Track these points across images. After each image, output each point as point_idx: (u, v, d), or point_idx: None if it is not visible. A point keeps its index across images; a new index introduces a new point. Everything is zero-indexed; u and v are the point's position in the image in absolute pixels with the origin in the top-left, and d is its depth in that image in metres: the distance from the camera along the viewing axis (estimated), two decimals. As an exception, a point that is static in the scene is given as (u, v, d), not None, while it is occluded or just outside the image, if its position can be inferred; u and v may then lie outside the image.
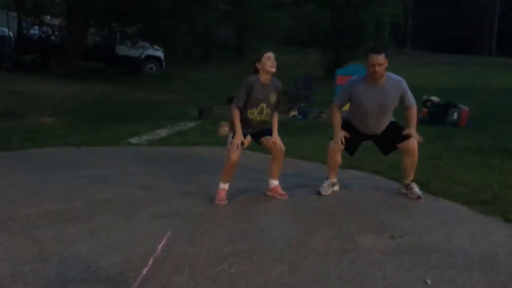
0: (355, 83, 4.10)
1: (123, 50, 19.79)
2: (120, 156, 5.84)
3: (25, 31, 19.74)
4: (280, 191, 4.11)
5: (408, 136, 4.06)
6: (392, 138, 4.13)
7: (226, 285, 2.49)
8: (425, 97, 11.73)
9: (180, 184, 4.50)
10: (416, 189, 4.16)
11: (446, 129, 9.40)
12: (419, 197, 4.10)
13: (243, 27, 27.89)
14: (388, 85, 3.97)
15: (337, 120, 4.13)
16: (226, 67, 23.98)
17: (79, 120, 9.54)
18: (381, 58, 3.81)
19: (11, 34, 19.83)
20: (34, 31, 19.95)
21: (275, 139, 3.98)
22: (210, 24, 26.92)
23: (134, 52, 19.88)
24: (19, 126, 8.65)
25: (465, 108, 10.31)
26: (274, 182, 4.13)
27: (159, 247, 2.91)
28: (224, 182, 3.97)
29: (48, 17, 20.83)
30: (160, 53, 20.67)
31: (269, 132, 4.05)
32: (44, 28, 20.05)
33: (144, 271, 2.58)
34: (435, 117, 10.30)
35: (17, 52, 18.76)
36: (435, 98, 11.86)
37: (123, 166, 5.21)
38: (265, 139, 4.06)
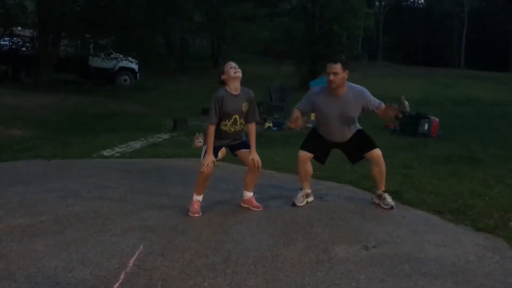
0: (317, 93, 4.17)
1: (97, 61, 19.58)
2: (91, 168, 5.73)
3: (-6, 42, 19.32)
4: (255, 203, 4.08)
5: (372, 146, 4.11)
6: (358, 147, 4.17)
7: (199, 299, 2.45)
8: (403, 97, 12.01)
9: (153, 196, 4.43)
10: (389, 199, 4.20)
11: (418, 139, 9.59)
12: (391, 208, 4.15)
13: (218, 38, 27.95)
14: (349, 95, 4.01)
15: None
16: (201, 78, 23.95)
17: (50, 132, 9.36)
18: (336, 67, 3.89)
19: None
20: (5, 42, 19.52)
21: (254, 155, 3.93)
22: (185, 35, 26.90)
23: (107, 64, 19.69)
24: (-13, 139, 8.42)
25: (435, 119, 10.55)
26: (249, 194, 4.10)
27: (131, 261, 2.85)
28: (198, 194, 3.94)
29: (19, 28, 20.43)
30: (134, 65, 20.52)
31: (245, 145, 4.02)
32: (15, 39, 19.64)
33: (115, 287, 2.52)
34: (406, 128, 10.50)
35: (-14, 63, 18.35)
36: (406, 103, 12.13)
37: (94, 179, 5.11)
38: (241, 153, 4.03)
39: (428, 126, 10.28)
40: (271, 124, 10.91)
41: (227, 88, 3.85)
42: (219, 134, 3.89)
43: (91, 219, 3.67)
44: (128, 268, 2.75)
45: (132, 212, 3.90)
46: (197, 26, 26.27)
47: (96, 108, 13.87)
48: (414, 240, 3.39)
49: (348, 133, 4.17)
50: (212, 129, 3.82)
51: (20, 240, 3.18)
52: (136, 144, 7.97)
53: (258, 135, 4.25)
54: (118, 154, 6.91)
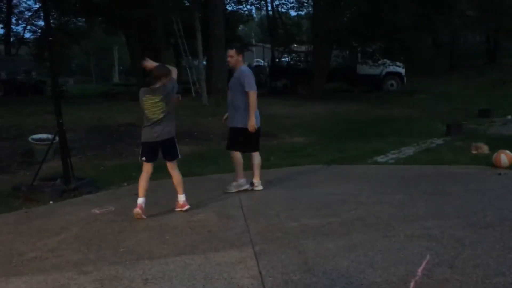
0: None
1: (364, 69, 20.20)
2: (368, 174, 5.94)
3: (277, 60, 22.12)
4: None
5: None
6: None
7: (500, 321, 2.25)
8: None
9: (432, 204, 4.30)
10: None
11: None
12: None
13: (495, 31, 25.12)
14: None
15: None
16: (473, 76, 22.00)
17: (325, 139, 10.09)
18: (231, 52, 5.12)
19: (265, 63, 22.58)
20: (284, 59, 22.14)
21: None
22: (455, 33, 25.19)
23: (374, 70, 20.11)
24: (275, 146, 9.66)
25: None
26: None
27: (419, 270, 2.83)
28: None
29: (295, 45, 22.84)
30: (401, 69, 20.35)
31: None
32: (293, 55, 22.07)
33: (406, 294, 2.55)
34: None
35: (270, 79, 21.15)
36: None
37: (372, 184, 5.27)
38: None
39: None
40: None
41: None
42: None
43: (374, 224, 3.80)
44: (417, 277, 2.74)
45: (414, 219, 3.88)
46: (470, 20, 24.20)
47: (365, 114, 14.27)
48: None
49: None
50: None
51: (314, 239, 3.53)
52: (409, 150, 7.85)
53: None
54: (392, 160, 6.95)
